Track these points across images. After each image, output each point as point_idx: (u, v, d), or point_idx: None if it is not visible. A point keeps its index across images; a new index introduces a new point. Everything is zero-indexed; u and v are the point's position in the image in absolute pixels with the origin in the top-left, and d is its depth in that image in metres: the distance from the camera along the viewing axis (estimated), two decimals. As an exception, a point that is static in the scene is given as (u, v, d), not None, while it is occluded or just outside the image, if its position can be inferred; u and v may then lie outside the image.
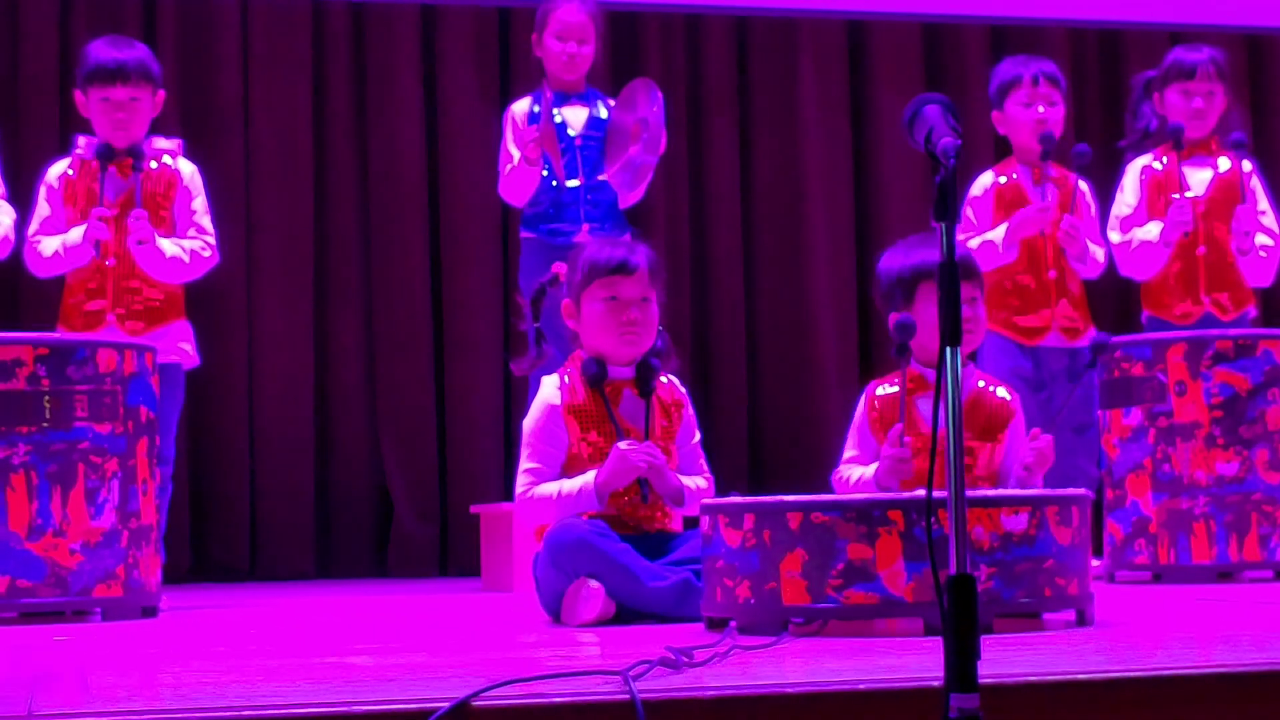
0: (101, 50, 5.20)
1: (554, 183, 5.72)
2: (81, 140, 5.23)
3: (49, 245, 5.13)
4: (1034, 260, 5.83)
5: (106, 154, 5.14)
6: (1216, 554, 5.09)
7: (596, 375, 4.07)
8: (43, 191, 5.22)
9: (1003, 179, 5.92)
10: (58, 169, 5.23)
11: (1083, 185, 5.91)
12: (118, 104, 5.14)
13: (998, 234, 5.79)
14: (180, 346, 5.23)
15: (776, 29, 7.60)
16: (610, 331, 4.08)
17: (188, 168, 5.27)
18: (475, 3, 7.31)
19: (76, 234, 5.09)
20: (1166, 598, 4.45)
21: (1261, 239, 5.80)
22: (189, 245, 5.19)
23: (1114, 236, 5.86)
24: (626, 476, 3.99)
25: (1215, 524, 5.09)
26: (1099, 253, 5.86)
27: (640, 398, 4.11)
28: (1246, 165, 5.89)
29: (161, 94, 5.24)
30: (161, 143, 5.27)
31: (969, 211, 5.92)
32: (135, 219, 5.07)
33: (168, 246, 5.13)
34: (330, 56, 7.24)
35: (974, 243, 5.81)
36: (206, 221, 5.26)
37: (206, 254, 5.22)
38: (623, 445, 3.98)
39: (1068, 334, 5.86)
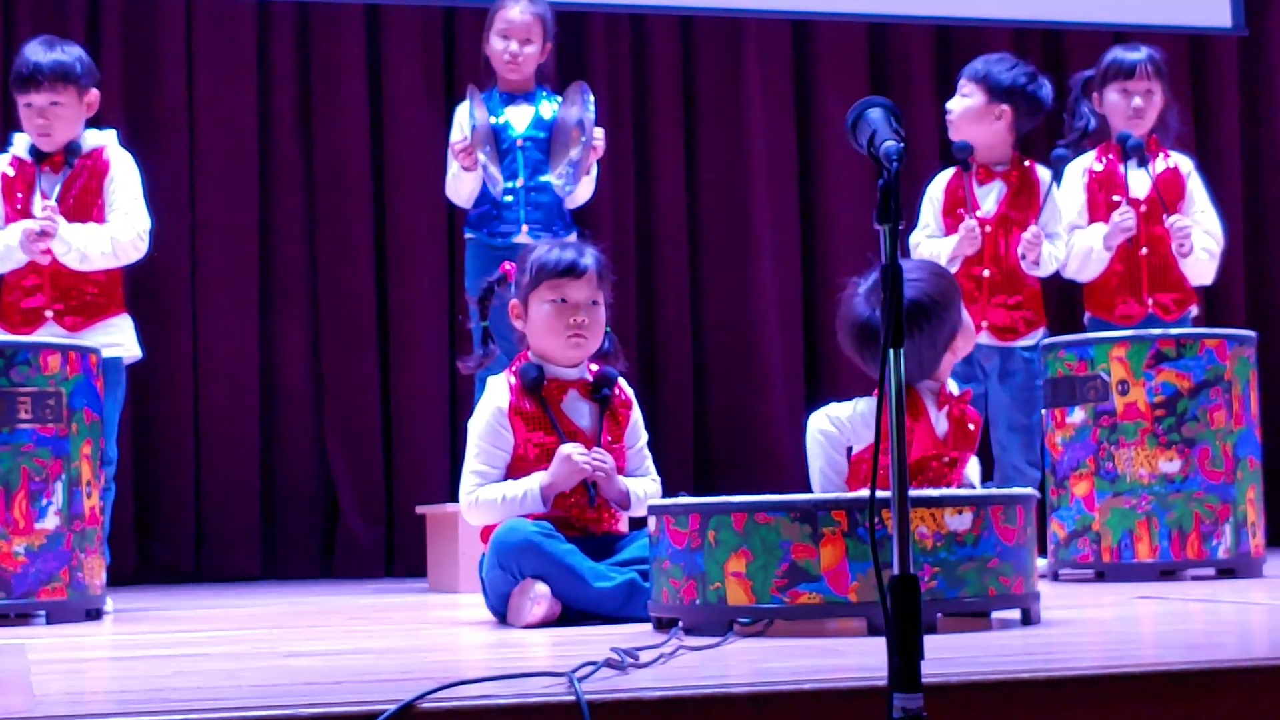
0: (25, 54, 5.15)
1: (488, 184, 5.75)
2: (16, 137, 5.20)
3: None
4: (968, 258, 5.85)
5: (38, 154, 5.12)
6: (1159, 552, 5.13)
7: (535, 380, 4.07)
8: None
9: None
10: None
11: (1044, 176, 5.92)
12: (38, 110, 5.09)
13: (946, 247, 5.82)
14: (120, 340, 5.18)
15: (722, 29, 7.61)
16: (557, 334, 4.08)
17: (118, 155, 5.21)
18: (421, 2, 7.30)
19: (12, 235, 5.06)
20: (1110, 596, 4.47)
21: (1203, 239, 5.84)
22: (107, 232, 5.09)
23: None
24: (571, 480, 3.99)
25: (1158, 522, 5.13)
26: (1060, 251, 5.87)
27: (587, 400, 4.12)
28: (1186, 165, 5.94)
29: (94, 94, 5.16)
30: (94, 136, 5.22)
31: (926, 208, 5.97)
32: (47, 210, 5.02)
33: (77, 239, 5.05)
34: (276, 55, 7.22)
35: (924, 248, 5.85)
36: (133, 205, 5.15)
37: (125, 237, 5.10)
38: (566, 449, 3.98)
39: (999, 333, 5.88)
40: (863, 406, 4.01)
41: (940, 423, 4.03)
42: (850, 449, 4.01)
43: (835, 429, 4.02)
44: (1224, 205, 6.09)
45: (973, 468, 4.17)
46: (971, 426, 4.08)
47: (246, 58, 7.16)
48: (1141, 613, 3.90)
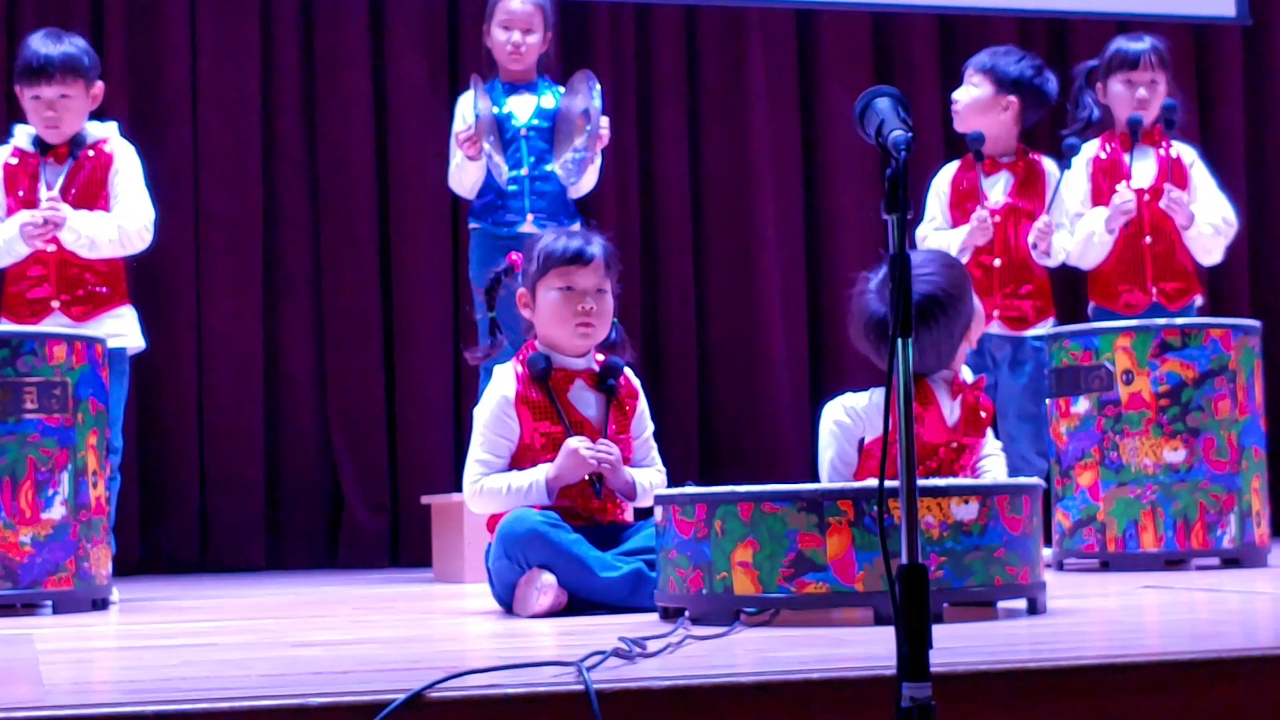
0: (32, 46, 5.16)
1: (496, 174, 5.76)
2: (18, 129, 5.21)
3: None
4: (978, 248, 5.86)
5: (42, 145, 5.13)
6: (1164, 542, 5.13)
7: (543, 371, 4.07)
8: None
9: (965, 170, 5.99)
10: None
11: (1049, 167, 5.94)
12: (47, 102, 5.11)
13: (955, 239, 5.83)
14: (124, 330, 5.19)
15: (725, 19, 7.61)
16: (565, 322, 4.08)
17: (121, 147, 5.23)
18: (424, -8, 7.30)
19: (12, 228, 5.06)
20: (1115, 586, 4.48)
21: (1207, 214, 5.83)
22: (115, 219, 5.13)
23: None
24: (577, 473, 3.99)
25: (1163, 512, 5.13)
26: (1068, 241, 5.88)
27: (594, 390, 4.12)
28: (1190, 155, 5.93)
29: (99, 86, 5.19)
30: (96, 128, 5.23)
31: (933, 200, 5.98)
32: (51, 202, 5.05)
33: (85, 226, 5.08)
34: (279, 46, 7.21)
35: (931, 241, 5.85)
36: (137, 196, 5.18)
37: (132, 226, 5.13)
38: (572, 443, 3.98)
39: (1010, 323, 5.89)
40: (878, 397, 4.03)
41: (952, 410, 4.04)
42: (862, 440, 4.02)
43: (850, 420, 4.03)
44: (1228, 195, 6.08)
45: (999, 465, 4.17)
46: (984, 414, 4.09)
47: (250, 48, 7.16)
48: (1146, 602, 3.91)
